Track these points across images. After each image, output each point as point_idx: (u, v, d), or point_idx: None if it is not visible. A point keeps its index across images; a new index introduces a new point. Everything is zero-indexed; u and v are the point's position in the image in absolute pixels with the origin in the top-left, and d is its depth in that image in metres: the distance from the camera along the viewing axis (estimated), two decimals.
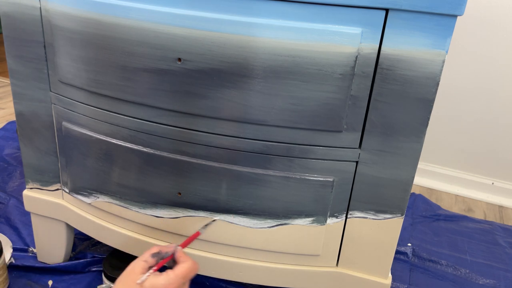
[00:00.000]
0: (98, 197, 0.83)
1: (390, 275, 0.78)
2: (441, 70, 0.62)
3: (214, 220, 0.75)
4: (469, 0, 1.33)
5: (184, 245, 0.68)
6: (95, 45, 0.69)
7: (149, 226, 0.82)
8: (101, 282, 0.93)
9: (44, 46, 0.77)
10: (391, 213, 0.72)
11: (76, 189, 0.86)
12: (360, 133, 0.68)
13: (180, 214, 0.78)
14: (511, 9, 1.33)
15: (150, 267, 0.62)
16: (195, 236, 0.71)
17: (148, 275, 0.60)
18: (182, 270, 0.62)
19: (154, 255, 0.64)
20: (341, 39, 0.61)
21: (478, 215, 1.43)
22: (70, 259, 1.03)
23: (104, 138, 0.77)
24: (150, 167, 0.75)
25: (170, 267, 0.64)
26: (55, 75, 0.78)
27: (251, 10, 0.61)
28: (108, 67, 0.70)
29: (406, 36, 0.60)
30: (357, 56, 0.62)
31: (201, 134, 0.71)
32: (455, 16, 0.59)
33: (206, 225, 0.75)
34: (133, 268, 0.61)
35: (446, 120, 1.50)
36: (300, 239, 0.76)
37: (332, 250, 0.77)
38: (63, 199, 0.91)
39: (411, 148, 0.67)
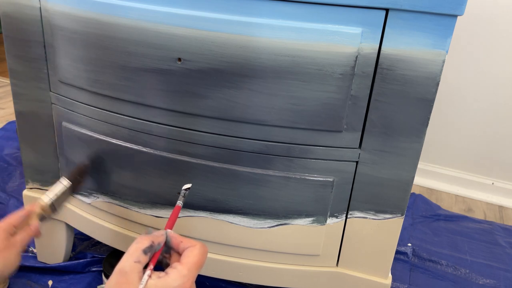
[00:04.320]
0: (98, 197, 0.83)
1: (390, 275, 0.78)
2: (441, 70, 0.62)
3: (188, 188, 0.63)
4: (469, 0, 1.33)
5: (171, 225, 0.57)
6: (95, 45, 0.69)
7: (149, 226, 0.81)
8: (101, 282, 0.93)
9: (44, 46, 0.77)
10: (391, 213, 0.72)
11: (76, 189, 0.86)
12: (360, 133, 0.68)
13: (180, 214, 0.77)
14: (511, 9, 1.33)
15: (144, 267, 0.50)
16: (177, 211, 0.60)
17: (148, 279, 0.48)
18: (194, 260, 0.50)
19: (146, 250, 0.50)
20: (341, 39, 0.61)
21: (478, 215, 1.43)
22: (70, 259, 1.03)
23: (104, 138, 0.77)
24: (150, 167, 0.75)
25: (165, 257, 0.55)
26: (55, 75, 0.78)
27: (251, 10, 0.61)
28: (108, 67, 0.70)
29: (406, 36, 0.60)
30: (357, 56, 0.62)
31: (201, 134, 0.71)
32: (455, 16, 0.59)
33: (183, 196, 0.63)
34: (125, 276, 0.47)
35: (446, 120, 1.50)
36: (300, 239, 0.76)
37: (332, 250, 0.77)
38: None
39: (411, 148, 0.67)
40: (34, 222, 0.66)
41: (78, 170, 0.73)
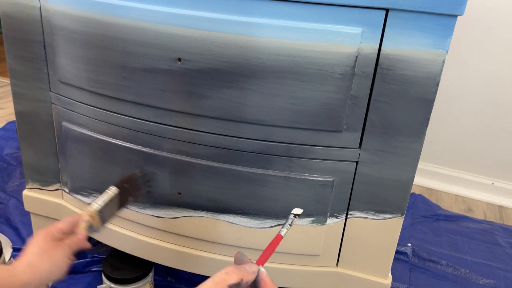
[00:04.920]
0: None
1: (390, 275, 0.78)
2: (441, 70, 0.62)
3: (298, 215, 0.56)
4: (469, 0, 1.33)
5: (265, 260, 0.54)
6: (95, 45, 0.69)
7: (149, 226, 0.81)
8: (101, 282, 0.93)
9: (44, 46, 0.77)
10: (391, 213, 0.72)
11: (76, 189, 0.86)
12: (360, 133, 0.68)
13: (180, 214, 0.77)
14: (511, 9, 1.33)
15: None
16: (277, 242, 0.54)
17: None
18: None
19: (232, 287, 0.48)
20: (341, 39, 0.61)
21: (478, 215, 1.43)
22: None
23: (104, 138, 0.77)
24: (150, 167, 0.75)
25: None
26: (55, 75, 0.78)
27: (251, 10, 0.61)
28: (108, 67, 0.70)
29: (406, 36, 0.60)
30: (357, 56, 0.62)
31: (201, 134, 0.71)
32: (455, 16, 0.59)
33: (290, 225, 0.56)
34: None
35: (446, 120, 1.50)
36: (300, 239, 0.76)
37: (332, 250, 0.77)
38: (63, 199, 0.91)
39: (411, 148, 0.67)
40: (81, 231, 0.63)
41: (126, 179, 0.72)
